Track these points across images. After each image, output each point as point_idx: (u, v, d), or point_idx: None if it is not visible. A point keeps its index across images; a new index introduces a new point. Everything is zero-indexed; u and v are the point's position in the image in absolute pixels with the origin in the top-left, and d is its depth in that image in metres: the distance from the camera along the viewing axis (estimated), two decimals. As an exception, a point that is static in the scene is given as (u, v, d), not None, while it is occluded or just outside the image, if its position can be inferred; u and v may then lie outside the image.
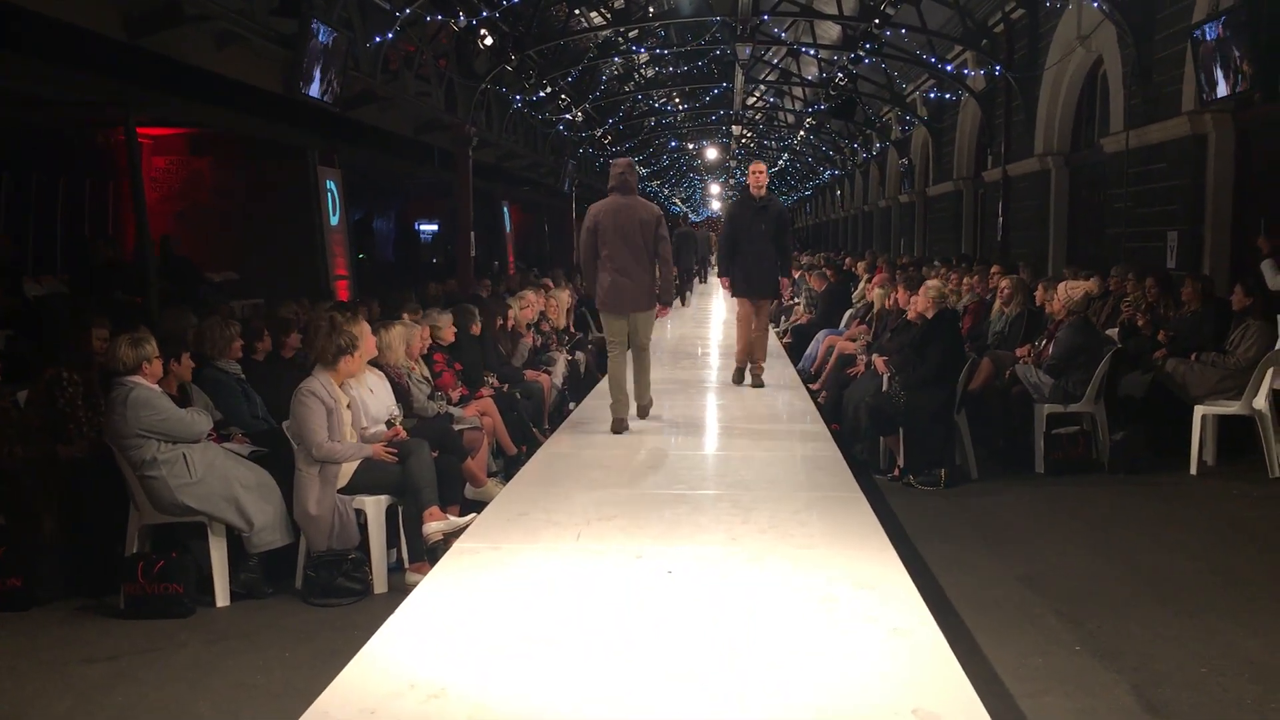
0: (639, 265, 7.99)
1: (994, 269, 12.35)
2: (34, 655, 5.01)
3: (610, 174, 8.22)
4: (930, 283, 8.47)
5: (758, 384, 10.03)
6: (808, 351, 12.39)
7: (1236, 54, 9.15)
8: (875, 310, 10.97)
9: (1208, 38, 9.57)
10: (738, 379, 10.19)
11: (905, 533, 6.58)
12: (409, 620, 4.28)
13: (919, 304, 8.33)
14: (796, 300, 16.46)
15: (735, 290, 9.96)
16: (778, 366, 12.16)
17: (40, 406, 6.06)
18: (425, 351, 7.77)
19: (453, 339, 8.36)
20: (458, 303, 9.93)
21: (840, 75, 20.19)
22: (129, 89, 10.69)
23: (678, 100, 25.30)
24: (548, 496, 6.19)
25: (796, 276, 17.50)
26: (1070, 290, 8.47)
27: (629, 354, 8.27)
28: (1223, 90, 9.49)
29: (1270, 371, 7.75)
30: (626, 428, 8.03)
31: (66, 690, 4.61)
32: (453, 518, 5.98)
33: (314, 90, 10.05)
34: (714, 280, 24.97)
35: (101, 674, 4.79)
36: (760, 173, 9.98)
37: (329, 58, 10.11)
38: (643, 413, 8.36)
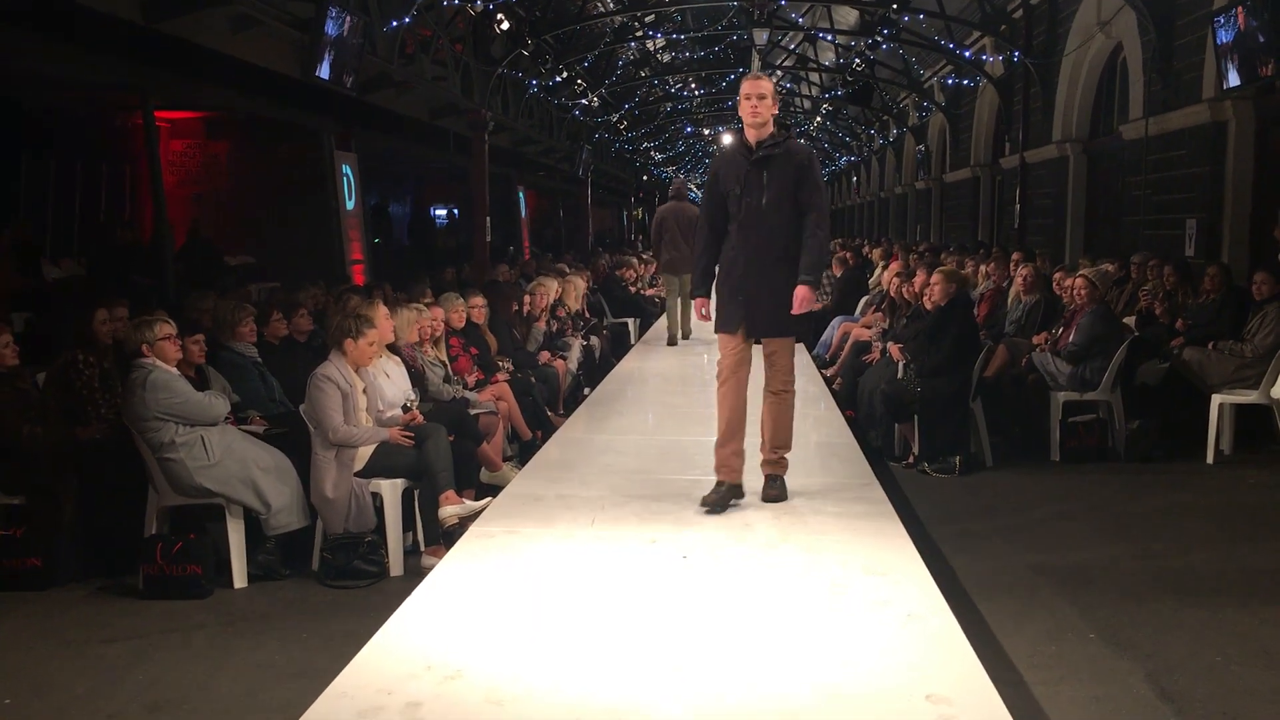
0: (688, 245, 11.24)
1: (1015, 256, 12.27)
2: (53, 635, 5.06)
3: (671, 186, 13.09)
4: (935, 276, 8.38)
5: (773, 495, 5.72)
6: (823, 338, 12.36)
7: (1258, 41, 9.07)
8: (889, 297, 10.82)
9: (1229, 24, 9.49)
10: (715, 504, 5.52)
11: (919, 519, 6.57)
12: (425, 603, 4.31)
13: (933, 294, 8.31)
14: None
15: (721, 320, 5.73)
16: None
17: (57, 389, 6.11)
18: (438, 335, 7.78)
19: (464, 324, 8.36)
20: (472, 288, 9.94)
21: (857, 61, 20.11)
22: (146, 73, 10.71)
23: (694, 85, 25.20)
24: (562, 481, 6.21)
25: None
26: (1099, 279, 8.47)
27: (679, 301, 12.20)
28: (1244, 77, 9.41)
29: (1289, 360, 7.70)
30: (677, 343, 12.23)
31: (86, 670, 4.66)
32: (468, 502, 6.01)
33: (330, 74, 10.05)
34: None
35: (120, 654, 4.83)
36: (762, 96, 5.50)
37: (345, 42, 10.11)
38: (686, 335, 12.37)
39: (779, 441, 5.83)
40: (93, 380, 6.14)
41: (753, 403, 5.79)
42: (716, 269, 5.82)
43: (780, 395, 5.79)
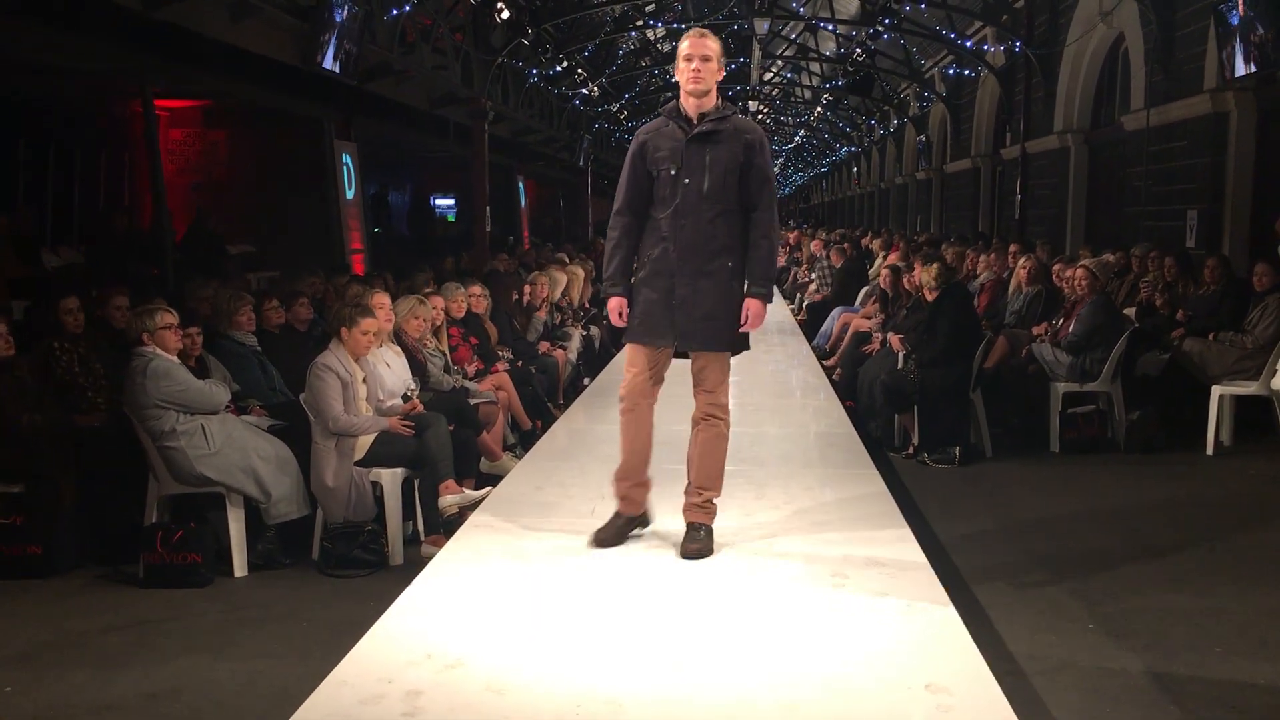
0: None
1: (1012, 248, 12.27)
2: (53, 623, 5.06)
3: None
4: (924, 274, 8.37)
5: (694, 550, 4.68)
6: (823, 328, 12.38)
7: (1260, 31, 9.05)
8: (881, 288, 10.77)
9: (1231, 15, 9.47)
10: (607, 539, 4.83)
11: (919, 510, 6.57)
12: (425, 592, 4.32)
13: (926, 291, 8.31)
14: (811, 277, 16.38)
15: (641, 329, 4.88)
16: (792, 344, 12.14)
17: (39, 376, 6.09)
18: (438, 325, 7.76)
19: (463, 314, 8.35)
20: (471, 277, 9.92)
21: (858, 51, 20.08)
22: (145, 60, 10.68)
23: (694, 75, 25.18)
24: (562, 471, 6.22)
25: (805, 269, 17.05)
26: (1100, 270, 8.47)
27: None
28: (1246, 68, 9.40)
29: (1289, 352, 7.70)
30: None
31: (85, 658, 4.66)
32: (468, 491, 6.02)
33: (330, 63, 10.03)
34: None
35: (120, 642, 4.84)
36: (706, 58, 4.64)
37: (345, 30, 10.09)
38: None
39: (705, 480, 4.86)
40: (72, 365, 6.12)
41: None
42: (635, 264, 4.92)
43: (711, 422, 4.91)
